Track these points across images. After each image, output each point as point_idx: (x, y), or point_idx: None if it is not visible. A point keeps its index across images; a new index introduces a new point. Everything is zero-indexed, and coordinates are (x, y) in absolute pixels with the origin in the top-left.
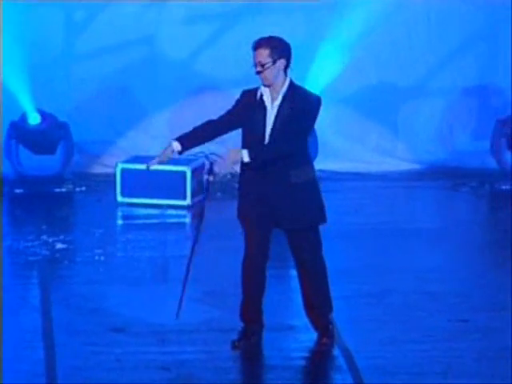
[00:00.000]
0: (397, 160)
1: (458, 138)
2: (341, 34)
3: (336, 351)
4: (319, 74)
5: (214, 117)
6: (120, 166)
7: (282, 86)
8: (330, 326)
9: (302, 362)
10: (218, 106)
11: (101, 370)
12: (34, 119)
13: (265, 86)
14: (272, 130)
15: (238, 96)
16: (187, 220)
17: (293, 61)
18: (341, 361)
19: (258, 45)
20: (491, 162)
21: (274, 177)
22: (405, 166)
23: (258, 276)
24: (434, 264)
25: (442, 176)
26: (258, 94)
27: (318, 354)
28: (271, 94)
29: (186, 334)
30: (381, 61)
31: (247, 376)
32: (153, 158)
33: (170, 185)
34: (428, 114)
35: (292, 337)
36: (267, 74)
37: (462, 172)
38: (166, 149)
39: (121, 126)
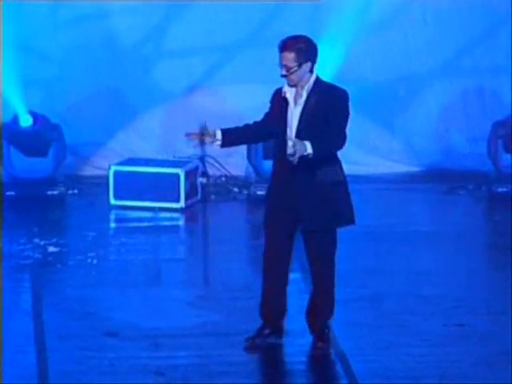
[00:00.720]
0: (393, 162)
1: (454, 140)
2: (337, 35)
3: (331, 355)
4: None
5: (206, 117)
6: (113, 168)
7: (307, 83)
8: (326, 331)
9: (298, 367)
10: (210, 105)
11: (93, 375)
12: (26, 121)
13: (290, 86)
14: (298, 126)
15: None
16: (181, 223)
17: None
18: (337, 365)
19: (284, 47)
20: (488, 165)
21: (300, 175)
22: (401, 169)
23: (277, 279)
24: (431, 267)
25: (439, 178)
26: (283, 91)
27: (313, 359)
28: (296, 91)
29: (179, 338)
30: (377, 62)
31: (242, 381)
32: (147, 160)
33: (163, 187)
34: (425, 116)
35: (288, 341)
36: (293, 77)
37: (459, 174)
38: (206, 132)
39: (113, 128)
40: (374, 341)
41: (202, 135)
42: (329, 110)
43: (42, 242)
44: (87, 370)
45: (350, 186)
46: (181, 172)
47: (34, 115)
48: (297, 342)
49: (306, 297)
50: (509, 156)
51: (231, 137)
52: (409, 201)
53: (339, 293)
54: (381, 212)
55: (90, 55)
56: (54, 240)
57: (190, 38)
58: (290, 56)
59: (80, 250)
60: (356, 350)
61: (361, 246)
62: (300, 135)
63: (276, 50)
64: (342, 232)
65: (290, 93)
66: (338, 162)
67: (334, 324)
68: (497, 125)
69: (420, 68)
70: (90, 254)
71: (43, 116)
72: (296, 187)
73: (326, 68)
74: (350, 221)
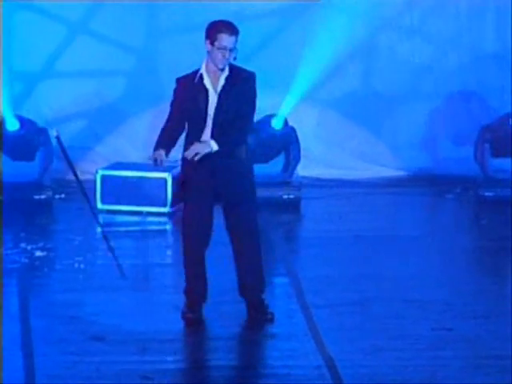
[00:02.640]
0: (381, 166)
1: (441, 144)
2: (325, 40)
3: (319, 360)
4: (303, 79)
5: None
6: (100, 172)
7: (224, 68)
8: (266, 302)
9: (285, 371)
10: None
11: (80, 379)
12: (13, 125)
13: (220, 69)
14: (218, 111)
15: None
16: (168, 227)
17: (279, 65)
18: (323, 369)
19: (235, 30)
20: (475, 169)
21: (221, 153)
22: (389, 173)
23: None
24: (418, 272)
25: (426, 182)
26: (197, 77)
27: (300, 362)
28: (213, 78)
29: (167, 342)
30: (364, 67)
31: None
32: (134, 164)
33: (150, 192)
34: (412, 120)
35: (273, 345)
36: (229, 60)
37: (446, 178)
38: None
39: (100, 132)
40: (362, 345)
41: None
42: (243, 93)
43: (29, 247)
44: (74, 374)
45: (338, 191)
46: (168, 176)
47: (21, 119)
48: (282, 346)
49: (294, 301)
50: (496, 160)
51: (170, 149)
52: (396, 205)
53: (327, 297)
54: (368, 216)
55: (78, 59)
56: (41, 244)
57: (178, 40)
58: (236, 40)
59: (67, 254)
60: (343, 355)
61: (348, 251)
62: (218, 121)
63: None
64: (328, 236)
65: (209, 79)
66: (246, 141)
67: (321, 328)
68: (484, 129)
69: (406, 72)
70: (77, 259)
71: (30, 120)
72: (213, 165)
73: (313, 72)
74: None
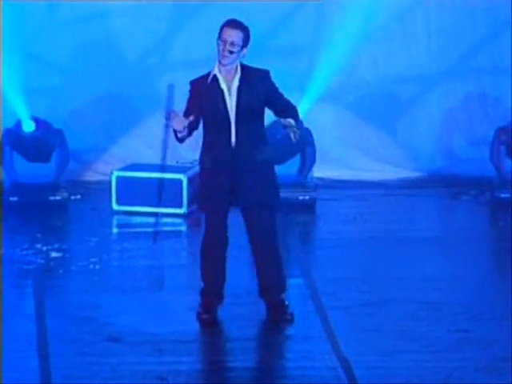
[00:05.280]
0: (396, 168)
1: (457, 145)
2: (341, 41)
3: (334, 361)
4: (319, 81)
5: None
6: (115, 173)
7: (237, 70)
8: (286, 302)
9: (300, 372)
10: None
11: (96, 380)
12: (29, 126)
13: (223, 64)
14: (238, 111)
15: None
16: (183, 228)
17: (294, 66)
18: (339, 371)
19: (234, 24)
20: (491, 170)
21: (240, 155)
22: (404, 174)
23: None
24: (434, 273)
25: (442, 184)
26: (210, 78)
27: (315, 364)
28: (227, 80)
29: (182, 343)
30: (380, 68)
31: None
32: (149, 165)
33: (166, 193)
34: (428, 121)
35: (289, 346)
36: (233, 56)
37: (462, 180)
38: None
39: (116, 133)
40: (378, 346)
41: (178, 119)
42: (266, 92)
43: (45, 248)
44: (90, 375)
45: (353, 192)
46: (184, 177)
47: (37, 121)
48: (298, 348)
49: (309, 302)
50: (511, 162)
51: (189, 131)
52: (412, 206)
53: (343, 298)
54: (384, 217)
55: (92, 60)
56: (57, 245)
57: (195, 45)
58: (240, 34)
59: (82, 255)
60: (359, 356)
61: (364, 252)
62: (238, 122)
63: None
64: (344, 237)
65: (221, 78)
66: (268, 142)
67: (337, 329)
68: (500, 130)
69: (422, 73)
70: (92, 260)
71: (46, 121)
72: (234, 167)
73: (329, 73)
74: (278, 197)
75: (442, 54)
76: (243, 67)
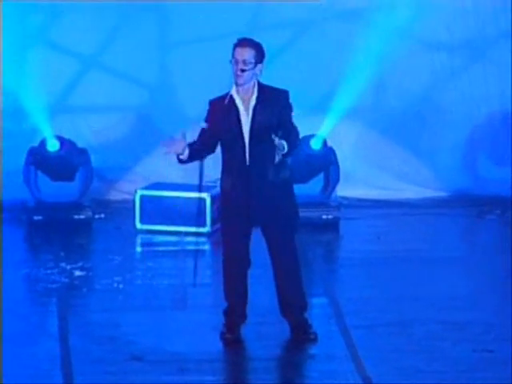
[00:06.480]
0: (420, 187)
1: (482, 164)
2: (363, 59)
3: (358, 381)
4: (342, 100)
5: None
6: (139, 192)
7: (253, 88)
8: (309, 322)
9: None
10: None
11: None
12: (53, 146)
13: (238, 85)
14: (252, 130)
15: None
16: (207, 247)
17: (318, 85)
18: None
19: (245, 42)
20: None
21: (252, 175)
22: (428, 193)
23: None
24: (458, 293)
25: (466, 203)
26: (227, 98)
27: (339, 383)
28: (243, 98)
29: (206, 362)
30: (404, 86)
31: None
32: (173, 184)
33: (189, 212)
34: (452, 140)
35: (313, 366)
36: (247, 74)
37: (486, 199)
38: (177, 142)
39: (140, 152)
40: (401, 366)
41: (175, 144)
42: (279, 112)
43: (69, 267)
44: None
45: (377, 211)
46: (207, 196)
47: (61, 140)
48: (322, 367)
49: (332, 322)
50: None
51: (192, 153)
52: (436, 226)
53: (366, 318)
54: (408, 237)
55: (117, 78)
56: (81, 264)
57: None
58: (251, 52)
59: (106, 274)
60: (382, 376)
61: (388, 271)
62: (253, 142)
63: None
64: (367, 257)
65: (238, 98)
66: (286, 162)
67: (360, 349)
68: None
69: (447, 92)
70: (116, 279)
71: (70, 141)
72: (249, 187)
73: (352, 92)
74: (297, 216)
75: (465, 72)
76: (261, 86)
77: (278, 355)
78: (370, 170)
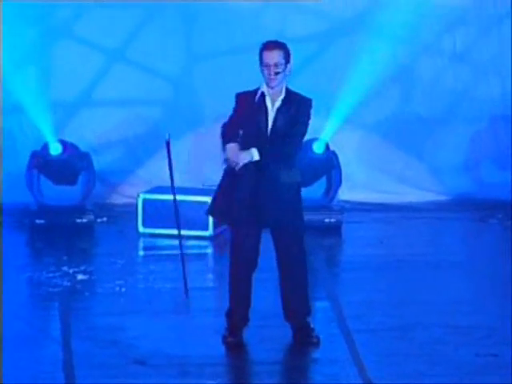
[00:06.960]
0: (422, 191)
1: (484, 168)
2: (366, 64)
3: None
4: (345, 104)
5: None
6: (142, 196)
7: (282, 89)
8: (312, 325)
9: None
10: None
11: None
12: (56, 149)
13: (271, 87)
14: (271, 131)
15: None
16: (209, 251)
17: (320, 89)
18: None
19: (273, 45)
20: None
21: (264, 176)
22: (430, 197)
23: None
24: (461, 297)
25: (469, 207)
26: (258, 95)
27: None
28: (272, 97)
29: (208, 366)
30: (406, 90)
31: None
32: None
33: (191, 215)
34: (454, 143)
35: (316, 369)
36: (280, 76)
37: (489, 203)
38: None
39: (142, 156)
40: (404, 370)
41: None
42: (297, 116)
43: (71, 270)
44: None
45: (380, 215)
46: (209, 200)
47: (64, 143)
48: (324, 371)
49: (335, 325)
50: None
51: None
52: (438, 230)
53: (369, 322)
54: (410, 241)
55: (119, 85)
56: (83, 268)
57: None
58: (280, 53)
59: (108, 277)
60: (385, 380)
61: (390, 275)
62: (272, 140)
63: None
64: (369, 261)
65: (268, 97)
66: (296, 166)
67: (363, 353)
68: None
69: (449, 95)
70: (118, 282)
71: (72, 144)
72: (260, 189)
73: (354, 96)
74: (302, 220)
75: (467, 74)
76: (288, 90)
77: (281, 359)
78: (373, 173)
